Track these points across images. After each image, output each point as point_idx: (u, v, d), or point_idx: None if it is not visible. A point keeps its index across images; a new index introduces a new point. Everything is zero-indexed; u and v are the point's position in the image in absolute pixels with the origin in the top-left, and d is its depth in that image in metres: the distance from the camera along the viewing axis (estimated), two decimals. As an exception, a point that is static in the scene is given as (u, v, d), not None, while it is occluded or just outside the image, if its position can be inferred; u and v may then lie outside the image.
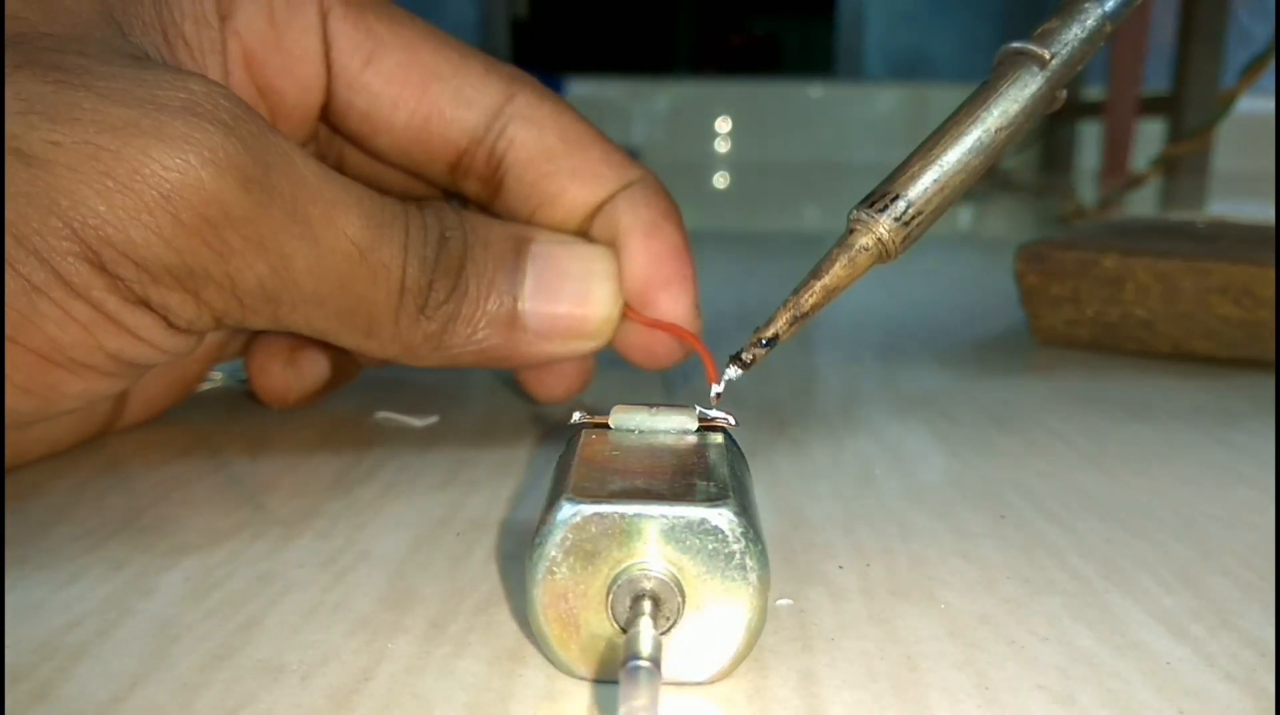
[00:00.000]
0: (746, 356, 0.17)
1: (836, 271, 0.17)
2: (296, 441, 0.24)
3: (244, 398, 0.27)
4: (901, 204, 0.17)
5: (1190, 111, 1.14)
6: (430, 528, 0.19)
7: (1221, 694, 0.14)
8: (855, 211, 0.17)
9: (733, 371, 0.17)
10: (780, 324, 0.17)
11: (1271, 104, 1.19)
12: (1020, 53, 0.18)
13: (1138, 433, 0.25)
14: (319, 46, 0.21)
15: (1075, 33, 0.18)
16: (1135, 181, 0.70)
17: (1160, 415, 0.27)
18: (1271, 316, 0.31)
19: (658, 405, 0.16)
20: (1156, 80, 1.29)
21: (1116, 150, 1.22)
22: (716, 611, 0.13)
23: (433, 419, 0.26)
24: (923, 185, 0.17)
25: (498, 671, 0.14)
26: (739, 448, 0.16)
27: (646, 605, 0.13)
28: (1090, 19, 0.18)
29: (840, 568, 0.17)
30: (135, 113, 0.16)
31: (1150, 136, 1.26)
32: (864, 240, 0.17)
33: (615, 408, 0.16)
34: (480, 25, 1.86)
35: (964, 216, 0.84)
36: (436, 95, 0.21)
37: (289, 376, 0.24)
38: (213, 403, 0.27)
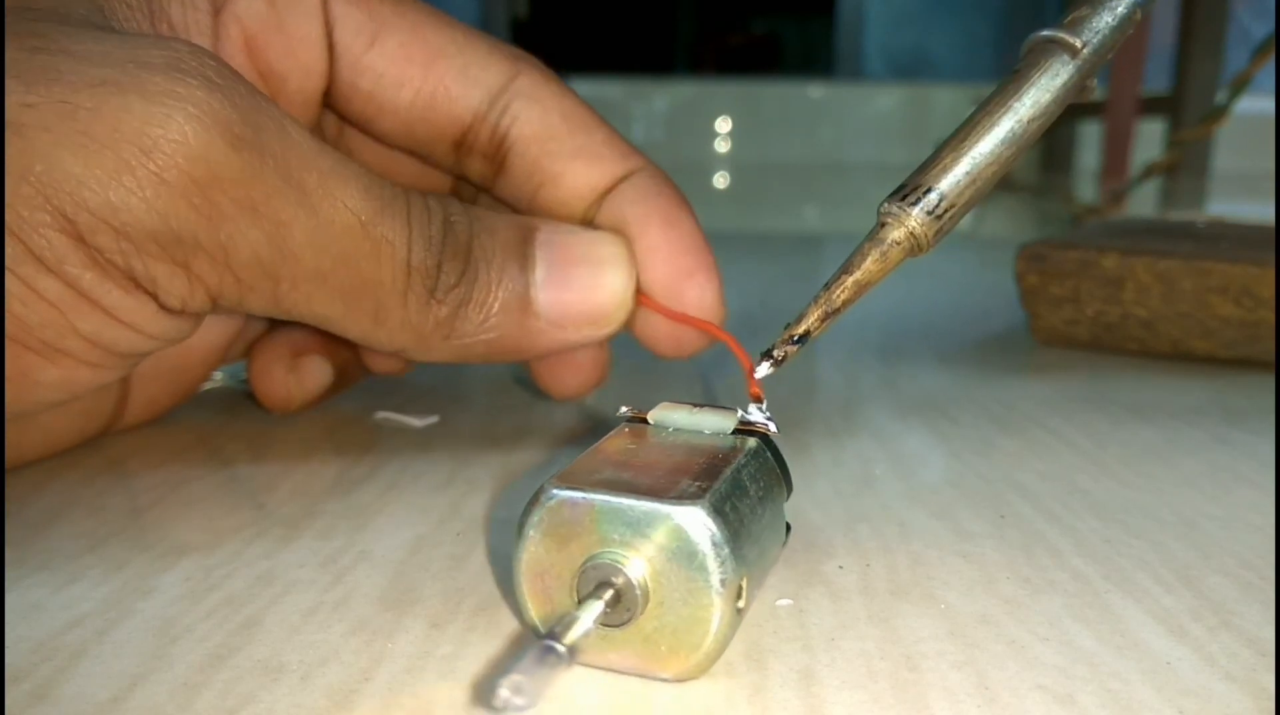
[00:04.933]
0: (778, 353, 0.17)
1: (868, 266, 0.17)
2: (297, 442, 0.24)
3: (244, 398, 0.27)
4: (934, 196, 0.17)
5: (1190, 111, 1.14)
6: (430, 528, 0.19)
7: (1221, 694, 0.14)
8: (886, 204, 0.17)
9: (765, 368, 0.17)
10: (811, 320, 0.17)
11: (1271, 104, 1.19)
12: (1051, 41, 0.17)
13: (1138, 433, 0.25)
14: (321, 29, 0.20)
15: (1106, 20, 0.17)
16: (1149, 171, 0.69)
17: (1160, 415, 0.27)
18: (1271, 316, 0.30)
19: (702, 405, 0.16)
20: (1156, 80, 1.29)
21: (1117, 150, 1.22)
22: (682, 611, 0.13)
23: (433, 419, 0.26)
24: (955, 177, 0.17)
25: (498, 671, 0.14)
26: (775, 455, 0.16)
27: (604, 594, 0.13)
28: (1121, 6, 0.17)
29: (840, 568, 0.17)
30: (115, 72, 0.15)
31: (1150, 136, 1.26)
32: (895, 234, 0.17)
33: (659, 405, 0.16)
34: (480, 25, 1.86)
35: (964, 217, 0.84)
36: (442, 73, 0.21)
37: (291, 382, 0.24)
38: (213, 403, 0.27)
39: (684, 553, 0.13)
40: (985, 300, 0.44)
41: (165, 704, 0.13)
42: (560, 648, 0.11)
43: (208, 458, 0.23)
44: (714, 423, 0.16)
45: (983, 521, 0.20)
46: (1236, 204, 0.95)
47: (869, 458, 0.23)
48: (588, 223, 0.22)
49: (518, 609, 0.14)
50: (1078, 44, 0.17)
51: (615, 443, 0.15)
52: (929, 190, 0.17)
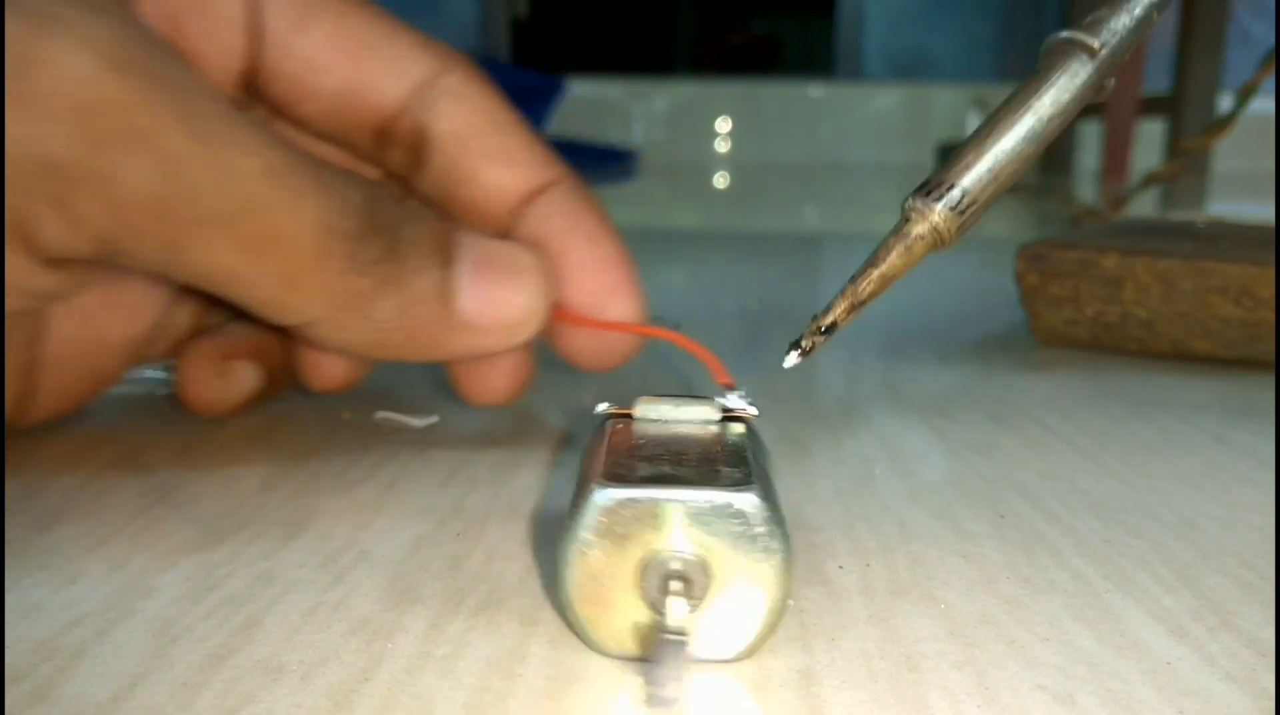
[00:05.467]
0: (806, 343, 0.17)
1: (893, 260, 0.17)
2: (296, 441, 0.24)
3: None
4: (957, 192, 0.17)
5: (1190, 112, 1.14)
6: (430, 528, 0.19)
7: (1221, 694, 0.14)
8: (910, 200, 0.17)
9: (794, 357, 0.17)
10: (839, 312, 0.17)
11: (1271, 104, 1.19)
12: (1070, 42, 0.18)
13: (1138, 432, 0.25)
14: (243, 12, 0.20)
15: (1124, 22, 0.18)
16: (1152, 179, 0.69)
17: (1160, 415, 0.27)
18: (1271, 316, 0.31)
19: (680, 397, 0.17)
20: (1156, 80, 1.29)
21: (1117, 150, 1.22)
22: (742, 591, 0.14)
23: (433, 419, 0.26)
24: (977, 173, 0.17)
25: (498, 671, 0.14)
26: (760, 437, 0.17)
27: (676, 585, 0.13)
28: (1138, 8, 0.18)
29: (840, 568, 0.17)
30: None
31: (1150, 136, 1.26)
32: (920, 228, 0.17)
33: (639, 399, 0.17)
34: (480, 25, 1.86)
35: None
36: (369, 62, 0.21)
37: (218, 386, 0.23)
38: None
39: (745, 536, 0.13)
40: (985, 300, 0.44)
41: (165, 704, 0.13)
42: (679, 637, 0.12)
43: (207, 457, 0.23)
44: (699, 413, 0.17)
45: (983, 521, 0.20)
46: (1236, 204, 0.95)
47: (869, 457, 0.23)
48: (506, 234, 0.22)
49: (567, 617, 0.14)
50: (1096, 45, 0.18)
51: (623, 438, 0.16)
52: (952, 187, 0.17)
